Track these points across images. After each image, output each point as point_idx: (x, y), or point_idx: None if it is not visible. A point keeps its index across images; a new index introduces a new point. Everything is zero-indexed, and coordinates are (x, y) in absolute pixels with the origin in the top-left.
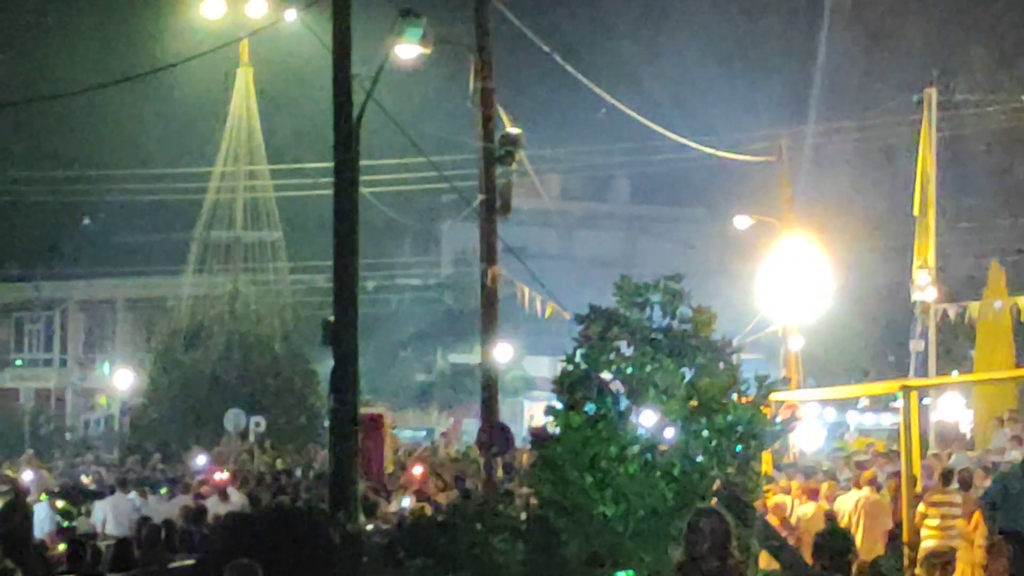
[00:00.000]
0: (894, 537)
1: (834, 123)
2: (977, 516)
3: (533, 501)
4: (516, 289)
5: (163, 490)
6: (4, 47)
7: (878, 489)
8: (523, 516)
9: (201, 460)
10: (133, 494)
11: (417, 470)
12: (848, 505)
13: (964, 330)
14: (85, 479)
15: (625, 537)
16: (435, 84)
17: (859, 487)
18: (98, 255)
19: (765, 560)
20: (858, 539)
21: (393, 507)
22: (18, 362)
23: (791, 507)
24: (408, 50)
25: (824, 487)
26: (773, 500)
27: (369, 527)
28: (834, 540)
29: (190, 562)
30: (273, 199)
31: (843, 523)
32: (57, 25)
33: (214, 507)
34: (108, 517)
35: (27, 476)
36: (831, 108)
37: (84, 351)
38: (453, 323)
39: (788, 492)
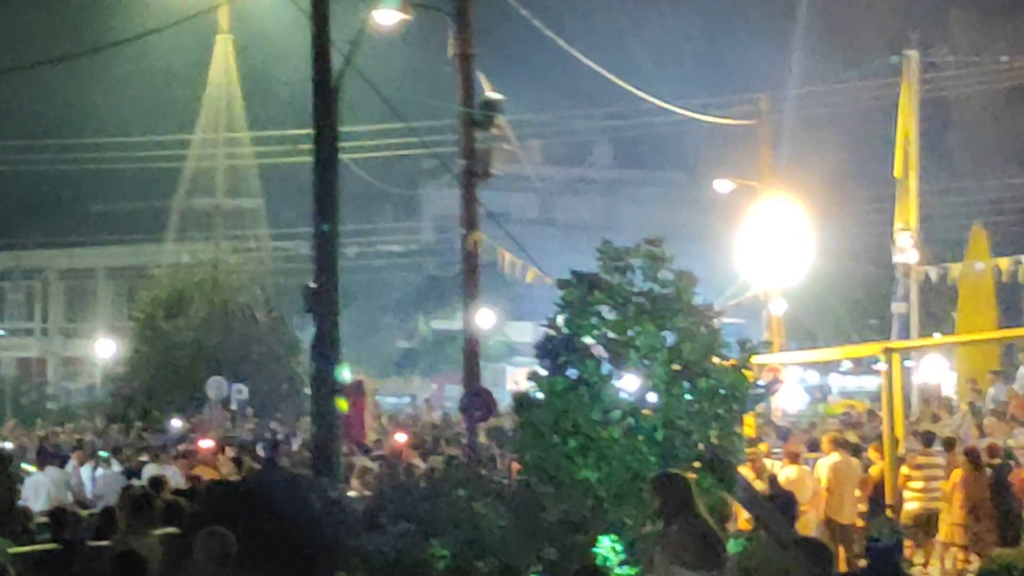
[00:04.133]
0: (874, 500)
1: (815, 86)
2: (955, 476)
3: (516, 466)
4: (498, 255)
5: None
6: None
7: (853, 452)
8: (506, 481)
9: (177, 425)
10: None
11: (400, 437)
12: (823, 468)
13: (946, 292)
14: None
15: (608, 501)
16: (414, 50)
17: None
18: (79, 223)
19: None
20: (832, 501)
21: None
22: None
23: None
24: (387, 15)
25: (797, 448)
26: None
27: (352, 493)
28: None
29: (173, 530)
30: (254, 166)
31: (821, 485)
32: None
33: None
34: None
35: (7, 446)
36: (812, 70)
37: (66, 320)
38: (435, 289)
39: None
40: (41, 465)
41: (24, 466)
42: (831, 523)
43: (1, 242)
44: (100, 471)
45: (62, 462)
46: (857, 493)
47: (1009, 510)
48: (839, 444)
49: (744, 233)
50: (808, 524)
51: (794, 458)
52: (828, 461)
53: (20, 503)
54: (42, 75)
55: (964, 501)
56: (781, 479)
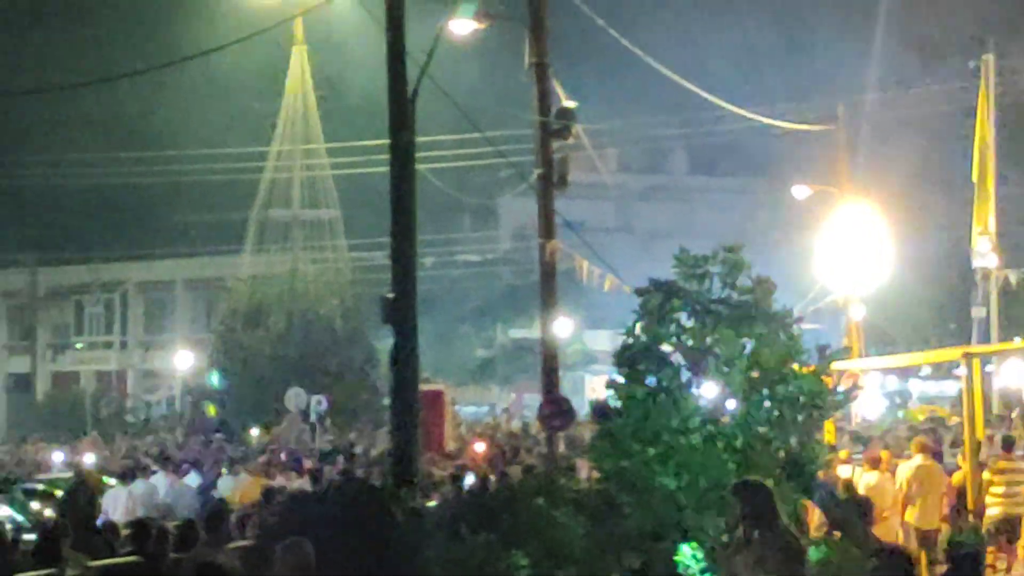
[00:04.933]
0: (957, 506)
1: (892, 91)
2: None
3: (595, 475)
4: (575, 263)
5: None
6: (62, 29)
7: (934, 456)
8: (585, 490)
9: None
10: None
11: (479, 446)
12: (904, 473)
13: None
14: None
15: (688, 509)
16: (489, 59)
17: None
18: (157, 236)
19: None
20: (915, 507)
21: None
22: (79, 345)
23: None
24: (463, 25)
25: (884, 455)
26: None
27: (432, 503)
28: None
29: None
30: (330, 177)
31: (901, 490)
32: (113, 5)
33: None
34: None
35: (88, 459)
36: (889, 75)
37: (145, 333)
38: (512, 298)
39: (848, 462)
40: (123, 478)
41: (105, 479)
42: (913, 528)
43: (80, 256)
44: (180, 483)
45: (143, 474)
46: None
47: None
48: (923, 448)
49: (823, 239)
50: (890, 530)
51: (875, 464)
52: (911, 465)
53: (101, 516)
54: (120, 88)
55: None
56: (861, 485)
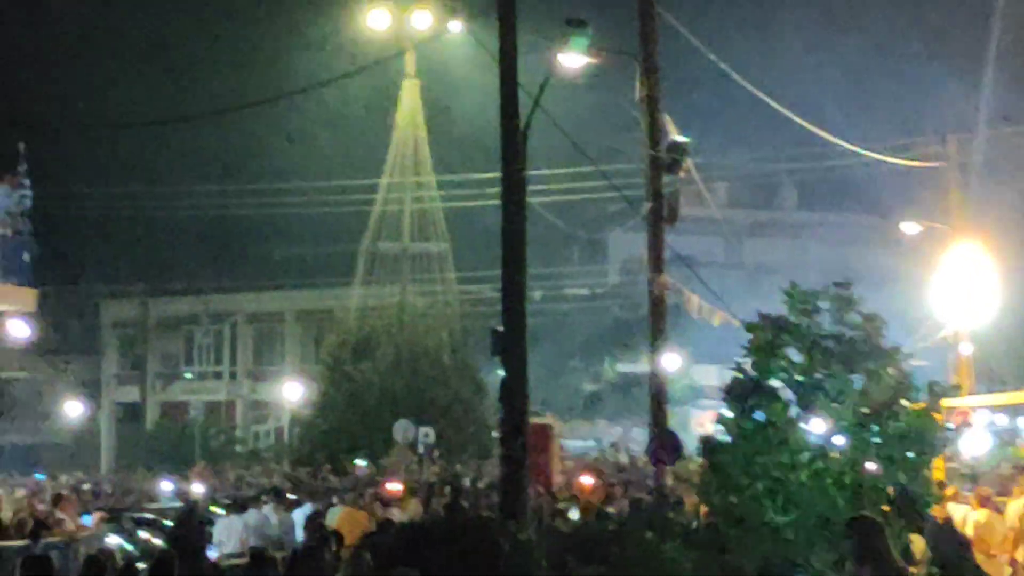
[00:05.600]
0: None
1: (1003, 127)
2: None
3: (704, 509)
4: (684, 297)
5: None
6: (175, 64)
7: None
8: (694, 524)
9: (363, 468)
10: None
11: (587, 480)
12: (1016, 510)
13: None
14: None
15: (797, 545)
16: (600, 92)
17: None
18: (266, 267)
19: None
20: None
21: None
22: (188, 375)
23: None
24: (574, 59)
25: (988, 492)
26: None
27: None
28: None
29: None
30: (440, 210)
31: (1013, 528)
32: (225, 41)
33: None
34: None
35: (197, 488)
36: (1002, 110)
37: (254, 363)
38: (620, 332)
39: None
40: (236, 507)
41: (213, 508)
42: (1021, 567)
43: (190, 287)
44: (286, 514)
45: (256, 504)
46: None
47: None
48: None
49: (937, 276)
50: (999, 568)
51: (984, 502)
52: (1020, 503)
53: (212, 545)
54: (233, 121)
55: None
56: (970, 522)
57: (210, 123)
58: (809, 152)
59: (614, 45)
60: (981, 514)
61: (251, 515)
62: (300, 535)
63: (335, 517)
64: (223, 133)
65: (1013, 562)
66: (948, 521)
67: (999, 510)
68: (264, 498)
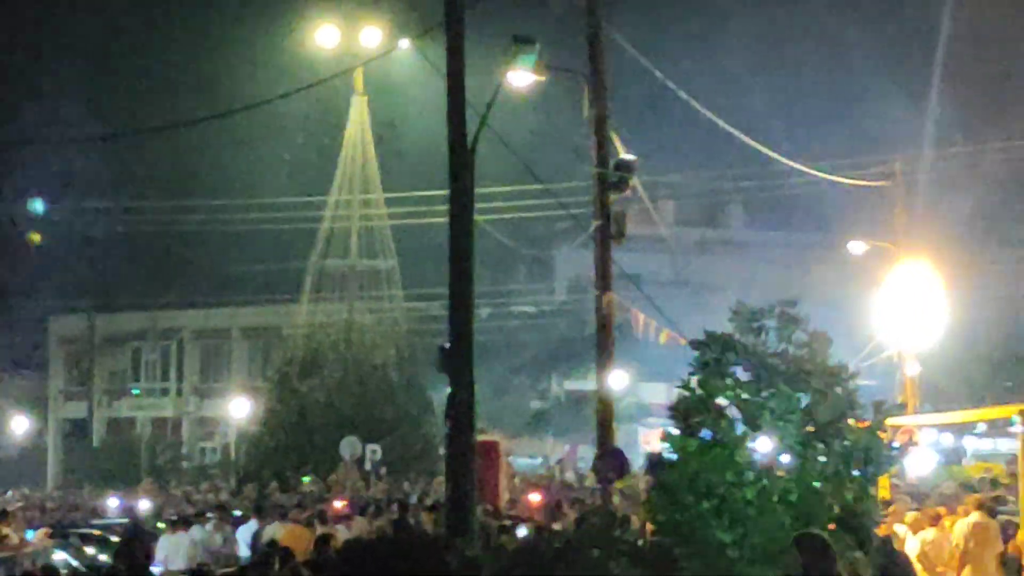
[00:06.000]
0: (1008, 561)
1: (949, 148)
2: None
3: (650, 527)
4: (631, 315)
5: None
6: (123, 79)
7: (990, 514)
8: (640, 542)
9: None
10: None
11: (534, 497)
12: (961, 530)
13: None
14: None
15: (742, 562)
16: (548, 110)
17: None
18: (214, 284)
19: None
20: (970, 565)
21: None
22: (135, 391)
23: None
24: (521, 77)
25: (942, 512)
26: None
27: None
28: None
29: None
30: (388, 227)
31: (958, 548)
32: (172, 56)
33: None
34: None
35: (143, 504)
36: (949, 132)
37: (200, 380)
38: (568, 350)
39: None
40: (182, 524)
41: (159, 524)
42: None
43: (137, 303)
44: (230, 530)
45: (201, 521)
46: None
47: None
48: (980, 505)
49: (881, 295)
50: None
51: (934, 520)
52: (968, 522)
53: (159, 562)
54: (180, 137)
55: None
56: (919, 540)
57: (159, 139)
58: (756, 171)
59: (563, 64)
60: (930, 533)
61: (197, 531)
62: (245, 552)
63: (275, 535)
64: (172, 149)
65: None
66: (889, 539)
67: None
68: (209, 515)
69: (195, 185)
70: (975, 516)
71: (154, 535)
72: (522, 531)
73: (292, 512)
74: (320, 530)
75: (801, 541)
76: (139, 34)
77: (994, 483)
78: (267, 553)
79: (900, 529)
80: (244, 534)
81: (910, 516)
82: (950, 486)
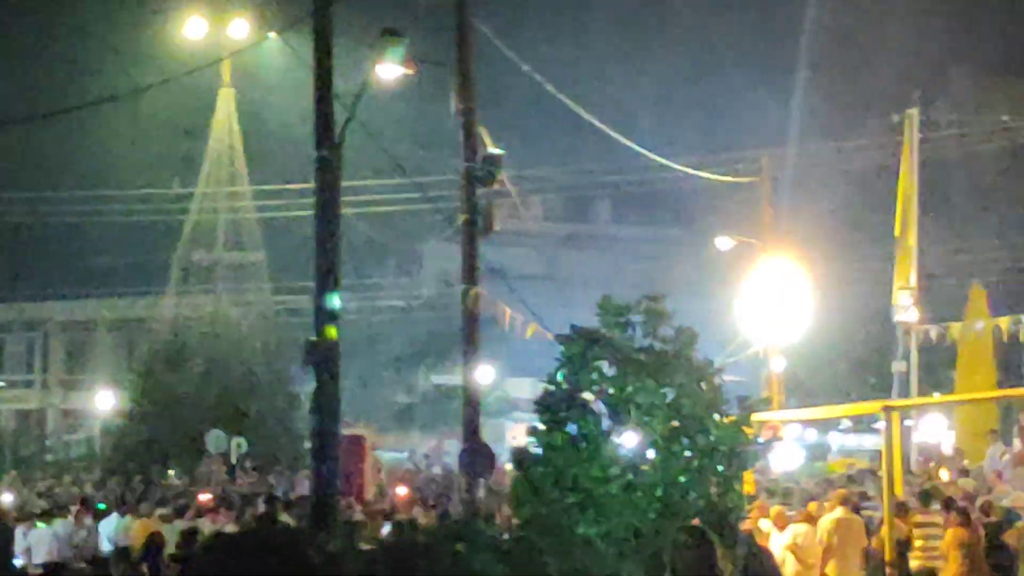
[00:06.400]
0: (872, 557)
1: (817, 143)
2: (951, 535)
3: (515, 521)
4: (498, 310)
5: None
6: None
7: (854, 509)
8: (505, 537)
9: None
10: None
11: (401, 491)
12: (825, 526)
13: (946, 351)
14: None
15: (607, 556)
16: (417, 105)
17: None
18: (80, 276)
19: None
20: (834, 559)
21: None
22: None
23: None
24: (390, 70)
25: (812, 507)
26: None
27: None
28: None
29: None
30: (255, 219)
31: (823, 543)
32: (36, 45)
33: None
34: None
35: (6, 498)
36: (814, 128)
37: (66, 372)
38: (435, 344)
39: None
40: (45, 517)
41: (22, 518)
42: None
43: (2, 294)
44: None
45: (63, 514)
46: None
47: (1002, 568)
48: (844, 501)
49: (745, 291)
50: None
51: (805, 516)
52: (832, 518)
53: (21, 555)
54: (44, 128)
55: (961, 560)
56: (790, 536)
57: (22, 129)
58: (624, 166)
59: (432, 58)
60: (803, 528)
61: (60, 525)
62: (108, 546)
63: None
64: (36, 140)
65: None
66: (751, 535)
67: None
68: (72, 508)
69: (61, 176)
70: (839, 511)
71: (15, 529)
72: (387, 525)
73: (143, 506)
74: (184, 524)
75: (687, 534)
76: (1, 20)
77: (851, 479)
78: (123, 549)
79: (764, 524)
80: (106, 528)
81: (774, 511)
82: (810, 483)
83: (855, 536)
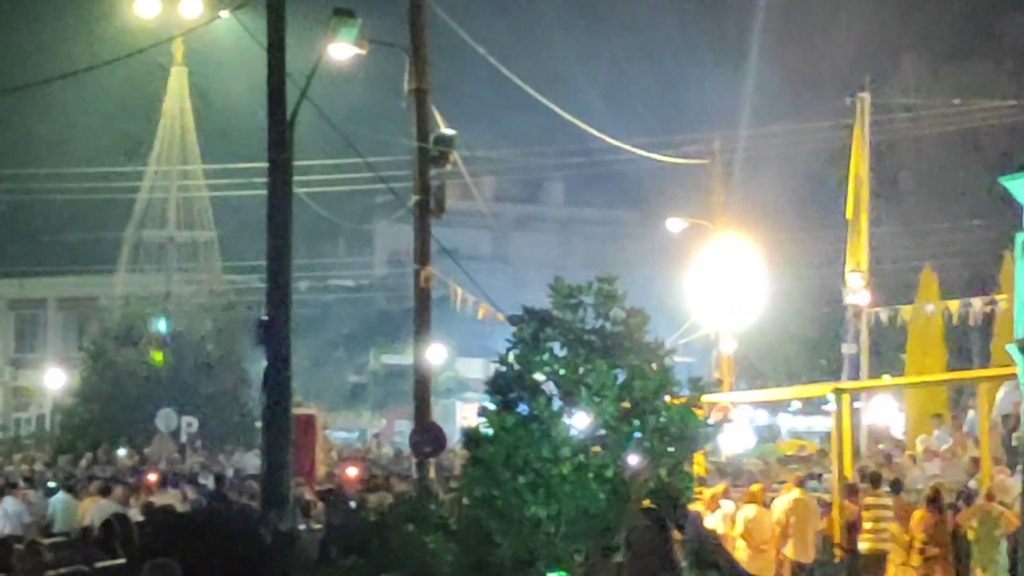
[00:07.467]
0: (827, 539)
1: (769, 127)
2: (915, 518)
3: (465, 501)
4: (450, 290)
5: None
6: None
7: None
8: (455, 517)
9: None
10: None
11: (351, 471)
12: (782, 506)
13: (896, 334)
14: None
15: (557, 537)
16: (369, 84)
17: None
18: (29, 253)
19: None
20: (791, 540)
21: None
22: None
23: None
24: (342, 50)
25: (756, 488)
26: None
27: (301, 527)
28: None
29: (120, 561)
30: (207, 198)
31: (779, 524)
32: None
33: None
34: None
35: None
36: (766, 111)
37: (15, 350)
38: (386, 324)
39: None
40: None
41: None
42: (789, 561)
43: None
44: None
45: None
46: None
47: (959, 551)
48: (799, 482)
49: (695, 272)
50: (768, 563)
51: (753, 498)
52: (788, 499)
53: None
54: None
55: (926, 543)
56: (740, 518)
57: None
58: (576, 148)
59: (387, 37)
60: (750, 509)
61: (8, 503)
62: (58, 524)
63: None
64: None
65: (780, 556)
66: (698, 516)
67: (766, 505)
68: (22, 485)
69: (11, 154)
70: (795, 492)
71: None
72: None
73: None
74: (135, 502)
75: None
76: None
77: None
78: (86, 528)
79: (728, 504)
80: (56, 506)
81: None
82: (752, 464)
83: (812, 516)
